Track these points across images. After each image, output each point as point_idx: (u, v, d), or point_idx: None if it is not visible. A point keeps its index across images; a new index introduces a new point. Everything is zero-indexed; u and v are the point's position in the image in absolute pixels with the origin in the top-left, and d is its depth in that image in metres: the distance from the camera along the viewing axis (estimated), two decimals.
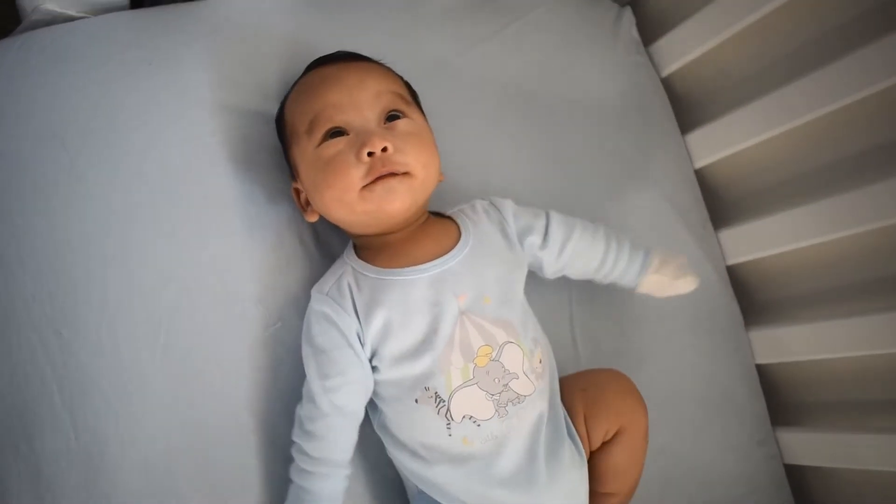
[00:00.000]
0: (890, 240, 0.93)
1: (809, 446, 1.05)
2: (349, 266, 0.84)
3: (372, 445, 0.85)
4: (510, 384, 0.79)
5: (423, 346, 0.78)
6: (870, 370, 0.98)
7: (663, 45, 1.16)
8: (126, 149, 0.87)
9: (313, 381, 0.80)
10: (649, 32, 1.19)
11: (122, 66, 0.90)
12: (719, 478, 1.03)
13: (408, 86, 0.90)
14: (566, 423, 0.85)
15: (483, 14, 1.09)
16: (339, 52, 0.89)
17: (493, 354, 0.79)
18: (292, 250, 0.90)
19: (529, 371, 0.80)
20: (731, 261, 1.12)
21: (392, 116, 0.81)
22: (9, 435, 0.79)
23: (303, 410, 0.80)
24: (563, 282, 0.99)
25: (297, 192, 0.87)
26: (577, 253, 0.90)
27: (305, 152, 0.82)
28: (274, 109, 0.91)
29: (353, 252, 0.86)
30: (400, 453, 0.82)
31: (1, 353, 0.80)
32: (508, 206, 0.89)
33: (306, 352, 0.81)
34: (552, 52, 1.11)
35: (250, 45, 0.96)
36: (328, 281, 0.83)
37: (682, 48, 1.13)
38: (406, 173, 0.79)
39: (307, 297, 0.84)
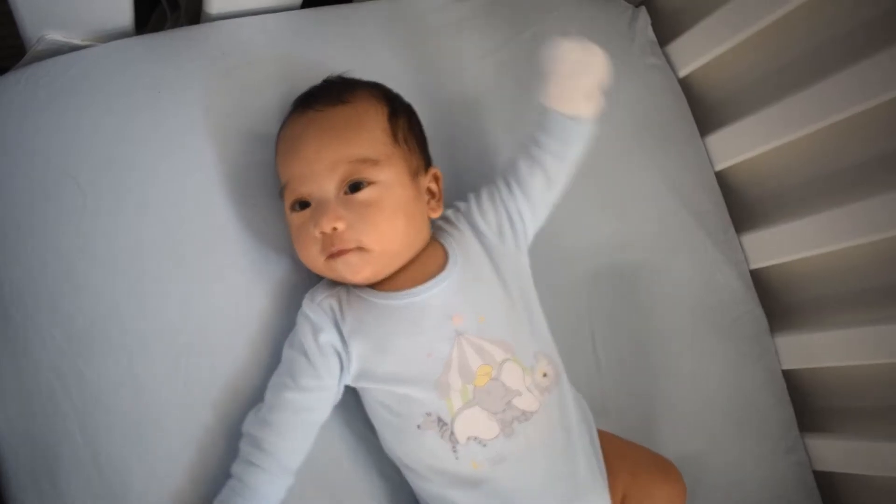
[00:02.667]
0: None
1: (839, 453, 1.03)
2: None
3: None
4: (513, 401, 0.78)
5: (419, 371, 0.78)
6: None
7: (680, 45, 1.14)
8: (137, 181, 0.86)
9: (285, 377, 0.80)
10: (665, 32, 1.16)
11: (130, 96, 0.89)
12: (748, 487, 1.02)
13: (395, 116, 0.84)
14: (590, 440, 0.84)
15: (494, 25, 1.07)
16: (319, 87, 0.87)
17: (493, 373, 0.78)
18: (308, 276, 0.89)
19: (533, 386, 0.79)
20: (755, 265, 1.10)
21: (354, 185, 0.79)
22: (32, 473, 0.78)
23: (265, 401, 0.79)
24: (582, 296, 0.99)
25: None
26: (524, 176, 0.86)
27: (285, 209, 0.83)
28: None
29: None
30: (411, 475, 0.82)
31: (21, 392, 0.80)
32: (472, 206, 0.87)
33: (287, 352, 0.82)
34: None
35: (257, 68, 0.94)
36: (322, 291, 0.84)
37: (700, 48, 1.11)
38: (360, 248, 0.78)
39: None
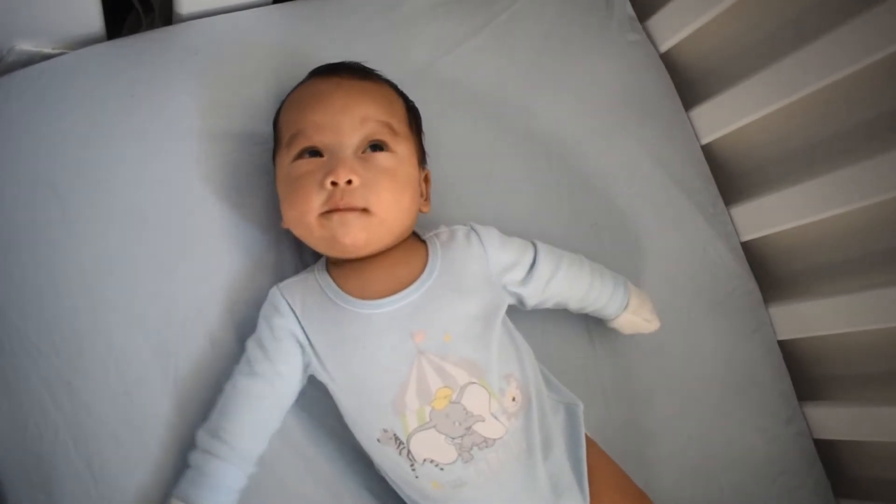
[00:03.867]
0: None
1: (838, 420, 1.02)
2: (315, 276, 0.82)
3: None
4: (474, 427, 0.75)
5: (375, 385, 0.76)
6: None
7: (660, 19, 1.12)
8: (116, 187, 0.86)
9: (242, 364, 0.79)
10: (645, 7, 1.15)
11: (105, 102, 0.88)
12: (750, 461, 1.01)
13: (410, 109, 0.87)
14: (568, 458, 0.82)
15: (470, 8, 1.06)
16: (343, 63, 0.86)
17: (454, 396, 0.75)
18: (292, 275, 0.88)
19: (499, 412, 0.76)
20: (746, 237, 1.09)
21: (374, 146, 0.79)
22: (28, 488, 0.79)
23: (224, 389, 0.78)
24: None
25: None
26: (562, 288, 0.87)
27: (282, 164, 0.81)
28: (262, 128, 0.90)
29: (324, 264, 0.84)
30: (385, 477, 0.81)
31: (12, 407, 0.80)
32: (493, 238, 0.84)
33: (248, 342, 0.80)
34: (545, 38, 1.08)
35: (233, 65, 0.94)
36: (290, 282, 0.83)
37: (680, 21, 1.09)
38: (365, 210, 0.76)
39: None
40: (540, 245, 0.87)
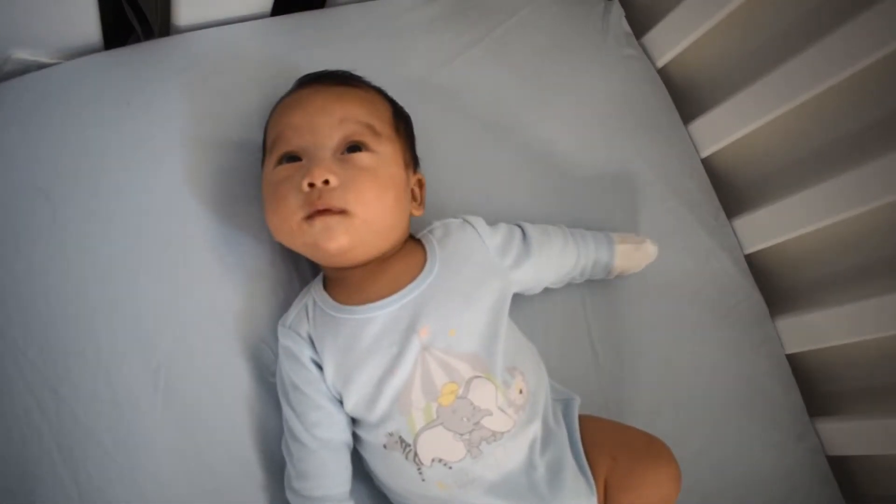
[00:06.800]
0: None
1: (852, 435, 0.99)
2: (312, 295, 0.81)
3: None
4: (482, 422, 0.73)
5: (381, 388, 0.74)
6: None
7: (656, 34, 1.13)
8: (110, 195, 0.86)
9: (292, 420, 0.77)
10: (640, 23, 1.15)
11: (101, 111, 0.89)
12: (761, 478, 0.98)
13: (397, 113, 0.85)
14: (570, 448, 0.80)
15: (467, 21, 1.07)
16: (328, 70, 0.86)
17: (460, 391, 0.73)
18: (288, 283, 0.88)
19: (506, 405, 0.75)
20: (749, 249, 1.08)
21: (353, 147, 0.77)
22: (11, 499, 0.77)
23: (289, 450, 0.77)
24: (576, 290, 0.97)
25: None
26: (551, 258, 0.88)
27: (265, 171, 0.80)
28: (256, 137, 0.89)
29: (320, 281, 0.83)
30: (388, 493, 0.80)
31: None
32: (483, 224, 0.85)
33: (280, 389, 0.79)
34: (540, 53, 1.08)
35: (228, 76, 0.94)
36: (291, 312, 0.82)
37: (676, 36, 1.10)
38: (344, 211, 0.74)
39: None
40: (525, 224, 0.89)
